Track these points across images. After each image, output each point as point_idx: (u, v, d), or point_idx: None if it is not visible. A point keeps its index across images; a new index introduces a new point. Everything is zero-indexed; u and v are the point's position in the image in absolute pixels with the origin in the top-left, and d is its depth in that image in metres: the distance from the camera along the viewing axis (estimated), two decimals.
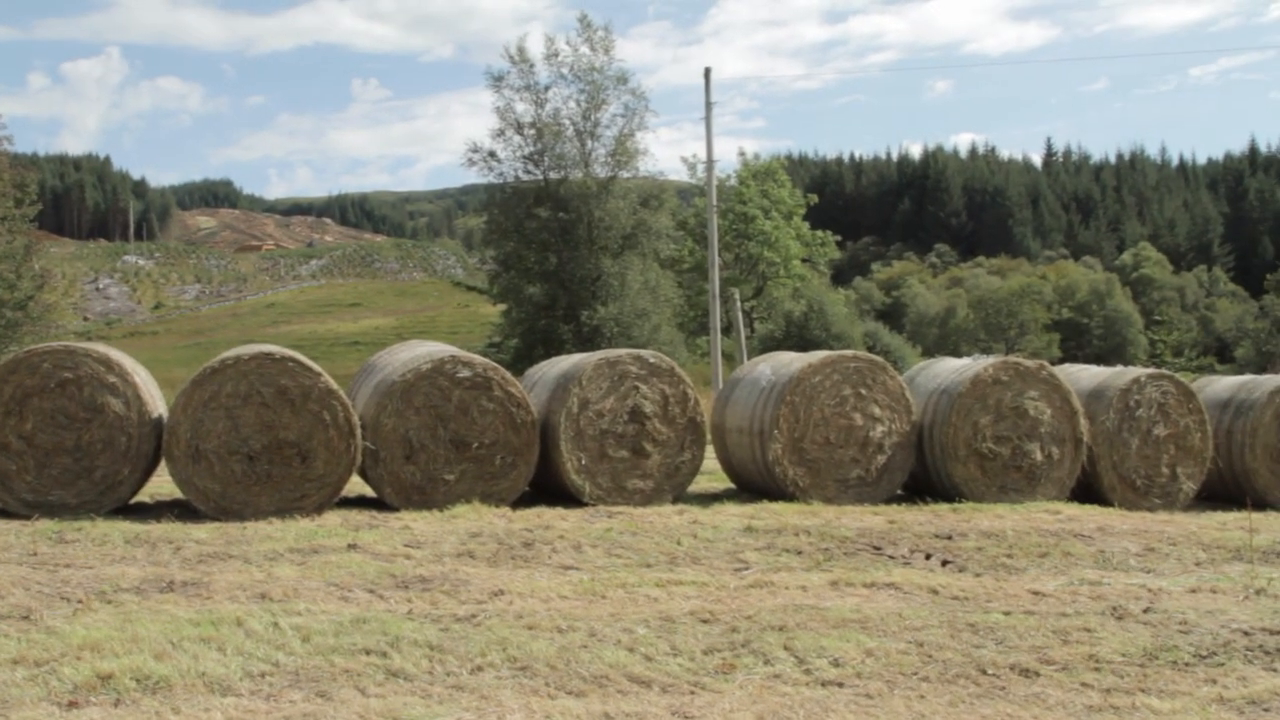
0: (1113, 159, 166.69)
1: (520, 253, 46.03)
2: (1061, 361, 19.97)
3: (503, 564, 9.65)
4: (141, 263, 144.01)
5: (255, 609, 7.74)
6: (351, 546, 10.11)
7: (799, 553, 10.32)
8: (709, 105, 36.58)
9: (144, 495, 13.22)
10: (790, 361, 14.54)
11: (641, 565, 9.68)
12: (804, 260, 67.95)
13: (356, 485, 13.29)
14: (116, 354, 12.68)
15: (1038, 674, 6.46)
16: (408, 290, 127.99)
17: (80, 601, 7.98)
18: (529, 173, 47.38)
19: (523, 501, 13.07)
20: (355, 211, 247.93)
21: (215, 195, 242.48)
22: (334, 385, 12.36)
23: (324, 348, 78.79)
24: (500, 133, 47.44)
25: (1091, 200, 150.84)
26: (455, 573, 9.09)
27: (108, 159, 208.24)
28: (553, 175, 46.68)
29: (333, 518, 11.86)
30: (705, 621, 7.58)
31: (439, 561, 9.63)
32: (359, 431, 12.36)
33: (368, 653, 6.68)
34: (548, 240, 45.08)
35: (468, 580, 8.83)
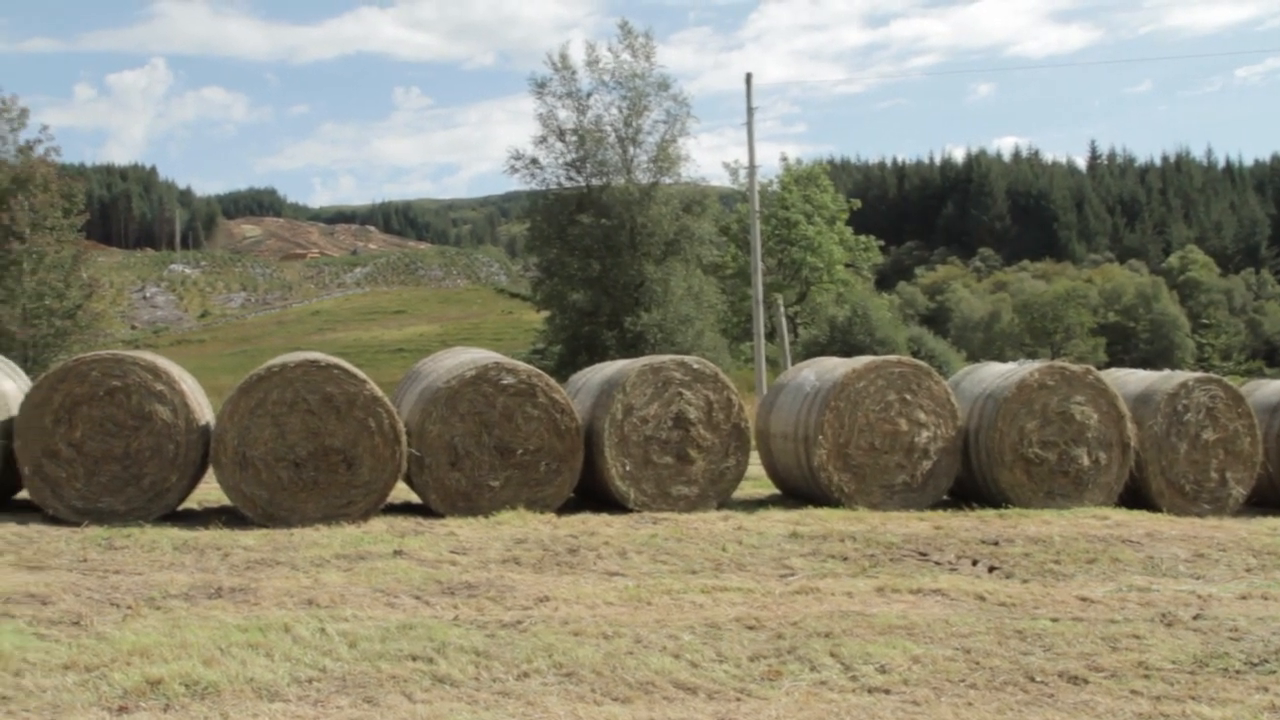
0: (1158, 161, 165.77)
1: (563, 259, 46.08)
2: (1108, 366, 19.80)
3: (548, 570, 9.66)
4: (188, 271, 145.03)
5: (302, 615, 7.78)
6: (397, 553, 10.14)
7: (844, 559, 10.29)
8: (750, 110, 36.51)
9: (192, 502, 13.30)
10: (834, 367, 14.50)
11: (687, 572, 9.67)
12: (847, 265, 67.80)
13: (402, 492, 13.33)
14: (164, 362, 12.78)
15: (1086, 681, 6.41)
16: (451, 297, 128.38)
17: (130, 607, 8.05)
18: (571, 179, 47.51)
19: (567, 508, 13.07)
20: (399, 219, 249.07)
21: (260, 204, 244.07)
22: (379, 392, 12.40)
23: (369, 355, 79.12)
24: (543, 139, 47.62)
25: (1137, 203, 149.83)
26: (501, 579, 9.11)
27: (154, 169, 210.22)
28: (595, 182, 46.76)
29: (379, 524, 11.90)
30: (751, 628, 7.57)
31: (484, 568, 9.66)
32: (404, 438, 12.41)
33: (414, 659, 6.71)
34: (591, 246, 45.10)
35: (513, 586, 8.84)
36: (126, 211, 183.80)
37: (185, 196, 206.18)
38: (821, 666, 6.67)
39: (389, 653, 6.81)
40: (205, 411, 12.84)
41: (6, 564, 9.66)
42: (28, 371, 14.60)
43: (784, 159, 74.64)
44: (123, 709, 5.83)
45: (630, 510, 13.07)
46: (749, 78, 36.65)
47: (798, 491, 14.38)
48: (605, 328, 43.96)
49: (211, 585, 8.76)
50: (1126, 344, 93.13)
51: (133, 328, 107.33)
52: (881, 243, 74.07)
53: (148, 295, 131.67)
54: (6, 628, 7.32)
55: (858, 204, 70.94)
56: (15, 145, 43.90)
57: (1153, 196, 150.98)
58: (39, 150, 44.07)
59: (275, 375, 12.26)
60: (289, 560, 9.86)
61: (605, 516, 12.57)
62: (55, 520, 11.88)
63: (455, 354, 14.78)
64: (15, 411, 12.46)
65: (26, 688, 6.12)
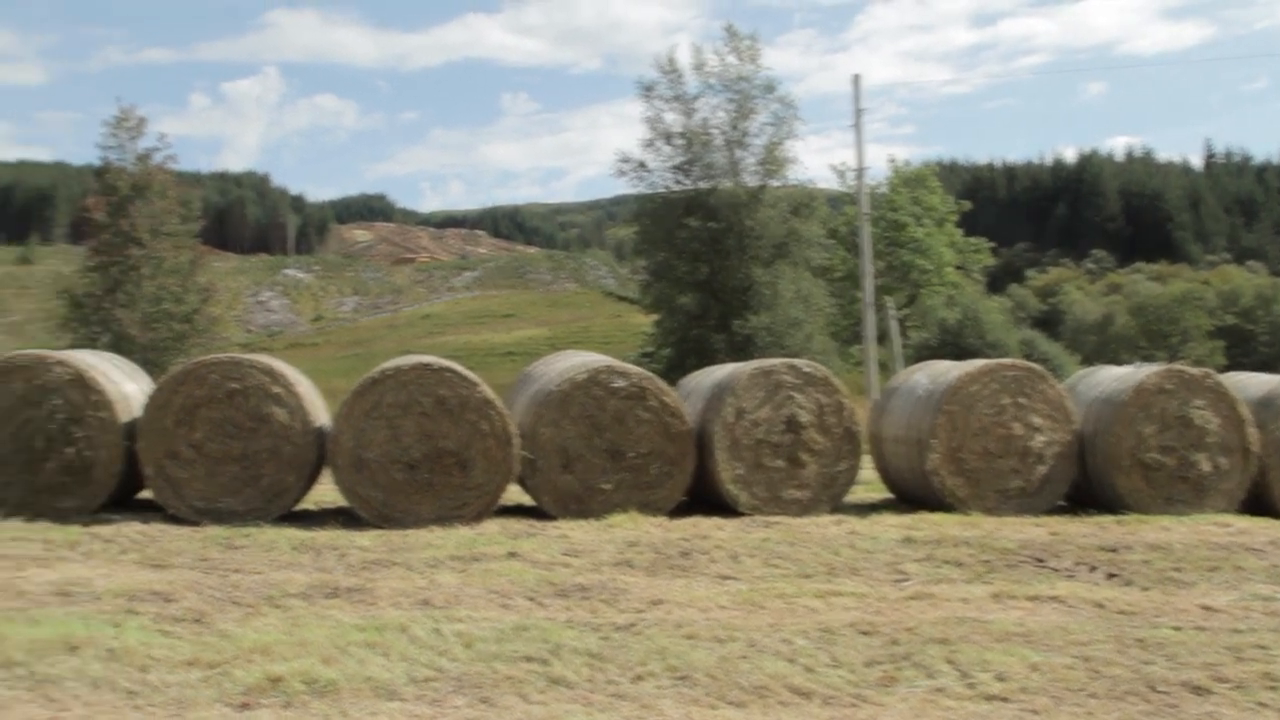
0: (1276, 160, 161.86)
1: (671, 262, 46.01)
2: (1227, 369, 19.42)
3: (660, 573, 9.66)
4: (301, 276, 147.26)
5: (418, 615, 7.85)
6: (511, 555, 10.20)
7: (959, 564, 10.17)
8: (859, 112, 36.21)
9: (308, 503, 13.50)
10: (947, 370, 14.35)
11: (800, 576, 9.62)
12: (957, 267, 67.06)
13: (512, 493, 13.42)
14: (281, 365, 13.00)
15: (1210, 692, 6.28)
16: (560, 301, 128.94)
17: (250, 606, 8.18)
18: (679, 182, 47.41)
19: (678, 511, 13.06)
20: (507, 223, 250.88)
21: (370, 209, 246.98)
22: (492, 395, 12.50)
23: (478, 358, 79.66)
24: (650, 143, 47.56)
25: (1254, 202, 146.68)
26: (613, 581, 9.13)
27: (267, 176, 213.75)
28: (702, 184, 46.61)
29: (491, 526, 12.00)
30: (865, 633, 7.51)
31: (597, 570, 9.68)
32: (517, 441, 12.49)
33: (529, 660, 6.74)
34: (699, 250, 44.98)
35: (626, 589, 8.86)
36: (241, 218, 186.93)
37: (298, 202, 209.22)
38: (938, 673, 6.60)
39: (504, 654, 6.85)
40: (321, 414, 13.03)
41: (131, 562, 9.88)
42: (148, 374, 14.90)
43: (892, 160, 73.95)
44: (245, 705, 5.93)
45: (741, 514, 13.03)
46: (857, 79, 36.39)
47: (910, 496, 14.25)
48: (714, 331, 43.80)
49: (329, 585, 8.88)
50: (1245, 347, 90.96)
51: (248, 331, 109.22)
52: (991, 244, 73.15)
53: (262, 299, 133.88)
54: (132, 624, 7.48)
55: (968, 205, 70.11)
56: (134, 154, 44.84)
57: (1271, 196, 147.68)
58: (157, 158, 44.99)
59: (390, 378, 12.41)
60: (404, 561, 9.97)
61: (716, 520, 12.55)
62: (176, 520, 12.12)
63: (566, 357, 14.84)
64: (138, 413, 12.75)
65: (152, 683, 6.26)
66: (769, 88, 47.03)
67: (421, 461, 12.27)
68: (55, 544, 10.58)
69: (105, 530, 11.31)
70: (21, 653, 6.70)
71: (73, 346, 30.28)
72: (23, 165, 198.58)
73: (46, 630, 7.20)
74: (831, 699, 6.16)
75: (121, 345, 35.30)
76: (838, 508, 13.55)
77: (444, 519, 12.09)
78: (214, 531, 11.35)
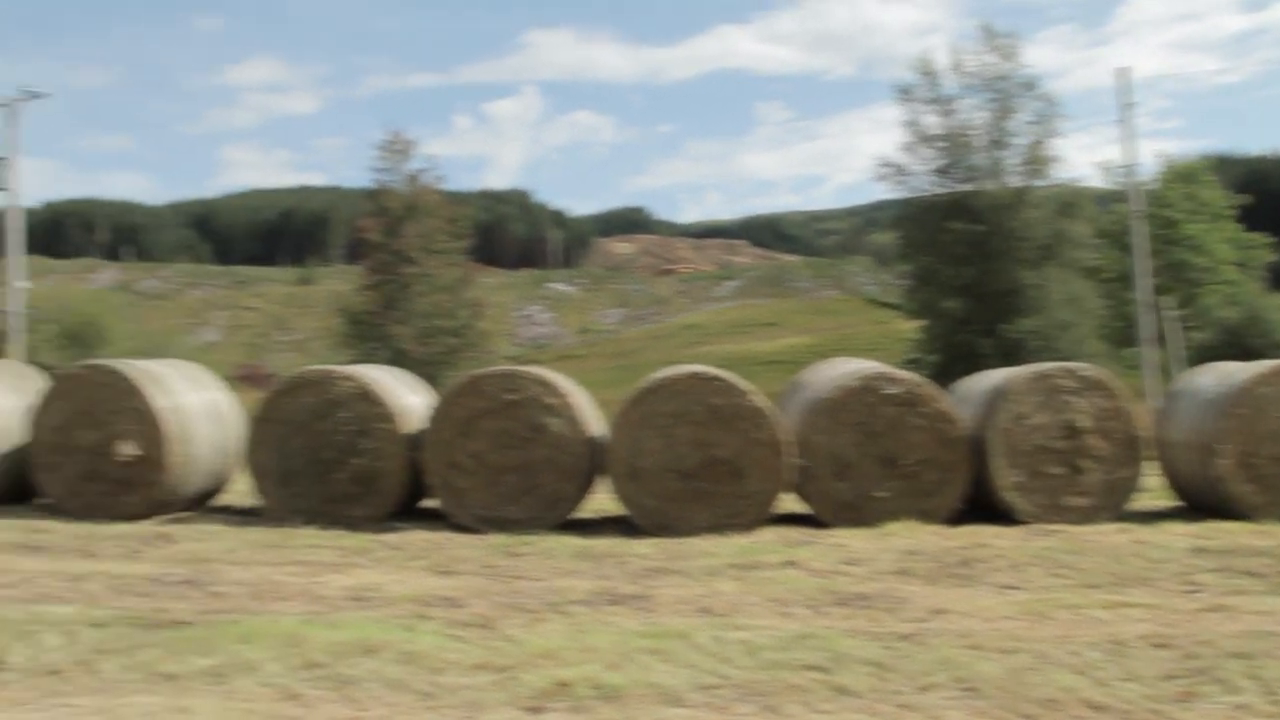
0: None
1: (935, 267, 45.37)
2: None
3: (941, 582, 9.50)
4: (565, 289, 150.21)
5: (699, 623, 7.89)
6: (789, 563, 10.17)
7: (1257, 575, 9.69)
8: (1126, 107, 35.14)
9: (585, 511, 13.71)
10: (1235, 372, 13.73)
11: (1086, 586, 9.32)
12: (1236, 265, 64.17)
13: (784, 501, 13.38)
14: (555, 376, 13.27)
15: None
16: (822, 308, 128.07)
17: (534, 612, 8.35)
18: (940, 185, 46.74)
19: (954, 518, 12.82)
20: (766, 232, 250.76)
21: (629, 222, 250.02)
22: (764, 403, 12.50)
23: (742, 368, 79.11)
24: (909, 146, 47.06)
25: None
26: (894, 590, 9.02)
27: (528, 192, 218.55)
28: (964, 187, 45.86)
29: (767, 534, 12.00)
30: (1159, 646, 7.22)
31: (876, 579, 9.58)
32: (791, 449, 12.46)
33: (812, 668, 6.69)
34: (963, 253, 44.23)
35: (907, 598, 8.73)
36: (505, 234, 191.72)
37: (559, 217, 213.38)
38: (1240, 689, 6.30)
39: (787, 662, 6.82)
40: (594, 423, 13.24)
41: (420, 568, 10.21)
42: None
43: (1163, 155, 71.21)
44: (535, 709, 6.04)
45: (1020, 522, 12.72)
46: (1123, 73, 35.38)
47: (1199, 503, 13.67)
48: (981, 335, 42.96)
49: (610, 592, 9.00)
50: None
51: (516, 344, 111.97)
52: (1274, 239, 69.73)
53: (527, 313, 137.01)
54: (425, 628, 7.72)
55: (1249, 199, 67.02)
56: (404, 175, 46.48)
57: None
58: (425, 179, 46.57)
59: (663, 388, 12.55)
60: (682, 569, 10.04)
61: (996, 528, 12.27)
62: (459, 527, 12.48)
63: (837, 364, 14.76)
64: (420, 425, 13.20)
65: (446, 685, 6.44)
66: (1029, 85, 46.03)
67: (696, 470, 12.36)
68: (348, 551, 11.03)
69: (393, 538, 11.73)
70: (323, 654, 6.97)
71: (352, 362, 31.61)
72: (301, 190, 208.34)
73: (345, 633, 7.48)
74: (1128, 714, 5.94)
75: (398, 360, 36.62)
76: (1121, 516, 13.10)
77: (719, 527, 12.14)
78: (496, 539, 11.64)
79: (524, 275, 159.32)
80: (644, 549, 11.02)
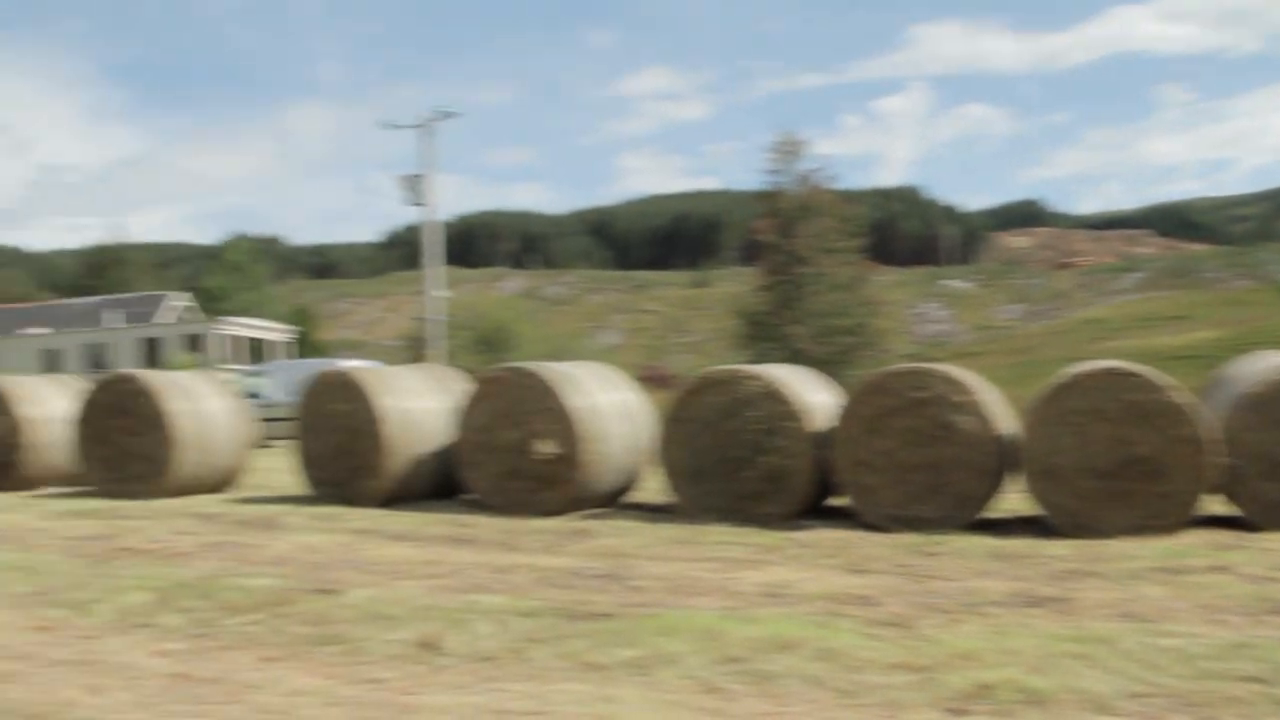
0: None
1: None
2: None
3: None
4: (961, 285, 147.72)
5: (1123, 628, 7.60)
6: (1218, 567, 9.67)
7: None
8: None
9: (994, 510, 13.45)
10: None
11: None
12: None
13: (1210, 503, 12.74)
14: (962, 374, 13.08)
15: None
16: (1235, 300, 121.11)
17: (950, 612, 8.24)
18: None
19: None
20: (1171, 220, 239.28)
21: (1025, 215, 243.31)
22: (1186, 399, 11.94)
23: (1150, 363, 75.70)
24: None
25: None
26: None
27: (918, 188, 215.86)
28: None
29: (1191, 536, 11.45)
30: None
31: None
32: (1216, 447, 11.85)
33: (1251, 680, 6.34)
34: None
35: None
36: (897, 231, 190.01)
37: (951, 213, 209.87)
38: None
39: (1224, 672, 6.48)
40: (1004, 421, 12.96)
41: (833, 567, 10.23)
42: None
43: None
44: (958, 711, 5.97)
45: None
46: None
47: None
48: None
49: (1028, 594, 8.79)
50: None
51: (913, 342, 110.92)
52: None
53: (921, 311, 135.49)
54: (842, 626, 7.74)
55: None
56: (795, 176, 46.81)
57: None
58: (817, 179, 46.77)
59: (1076, 384, 12.19)
60: (1102, 571, 9.69)
61: None
62: (868, 526, 12.46)
63: (1264, 358, 13.95)
64: (826, 423, 13.26)
65: (864, 684, 6.44)
66: None
67: (1113, 469, 11.92)
68: (760, 548, 11.18)
69: (803, 535, 11.80)
70: (741, 649, 7.09)
71: (751, 362, 32.12)
72: (694, 195, 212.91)
73: (760, 629, 7.58)
74: None
75: (795, 359, 36.95)
76: None
77: (1138, 528, 11.65)
78: (907, 538, 11.54)
79: (918, 272, 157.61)
80: (1060, 550, 10.69)
